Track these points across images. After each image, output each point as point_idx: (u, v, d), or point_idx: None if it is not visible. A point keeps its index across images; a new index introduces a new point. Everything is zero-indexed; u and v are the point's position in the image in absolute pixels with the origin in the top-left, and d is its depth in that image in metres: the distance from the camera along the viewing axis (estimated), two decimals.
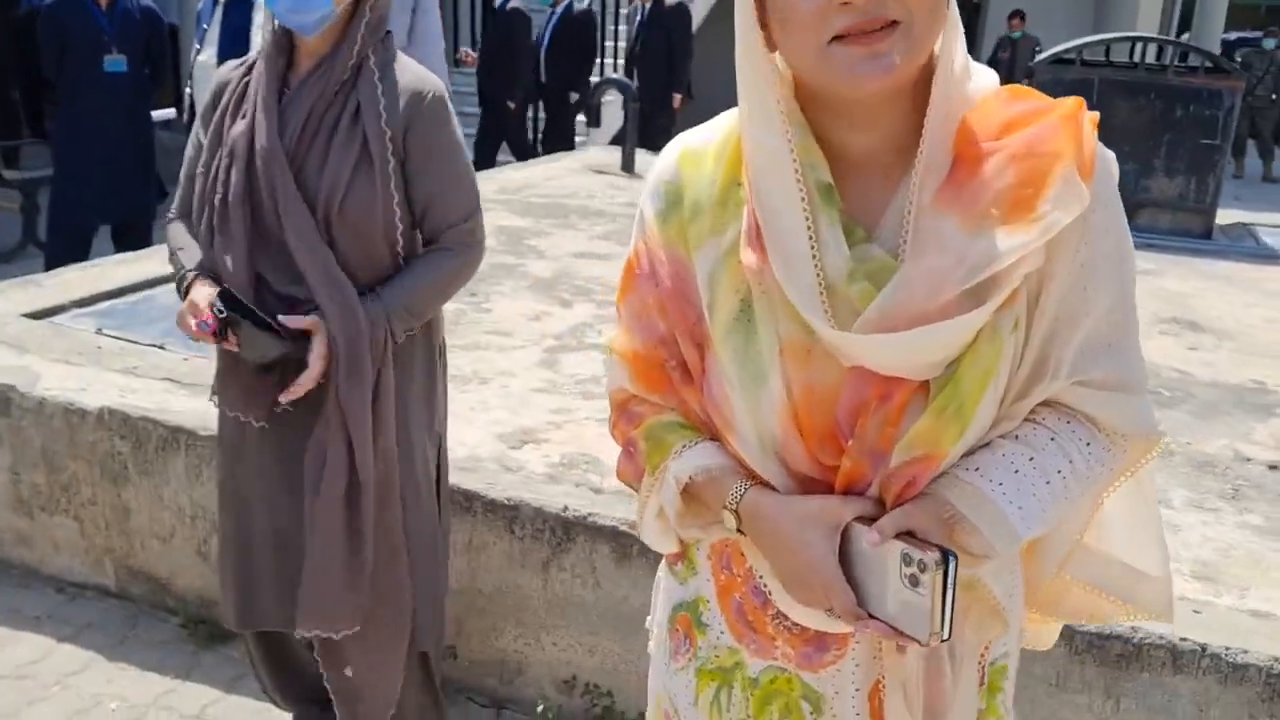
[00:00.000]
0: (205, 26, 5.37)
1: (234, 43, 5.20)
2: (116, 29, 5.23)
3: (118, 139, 5.20)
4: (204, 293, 1.95)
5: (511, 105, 8.65)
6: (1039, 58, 6.64)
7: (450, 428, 3.25)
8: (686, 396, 1.20)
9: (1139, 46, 7.90)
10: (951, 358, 1.03)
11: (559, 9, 8.69)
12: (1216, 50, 17.84)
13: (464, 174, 2.11)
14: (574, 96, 8.67)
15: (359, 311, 1.95)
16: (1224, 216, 6.84)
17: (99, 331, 3.72)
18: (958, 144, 1.03)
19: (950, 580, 1.02)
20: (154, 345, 3.61)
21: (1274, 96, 13.38)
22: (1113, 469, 1.16)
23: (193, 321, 1.94)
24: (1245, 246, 6.42)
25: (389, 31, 2.04)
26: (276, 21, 1.96)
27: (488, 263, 5.05)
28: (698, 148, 1.18)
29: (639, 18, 8.67)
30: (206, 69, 5.32)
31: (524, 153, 9.01)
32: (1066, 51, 6.56)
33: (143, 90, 5.34)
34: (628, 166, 7.66)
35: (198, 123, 2.10)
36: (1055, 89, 6.66)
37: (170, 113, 6.89)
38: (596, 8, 10.22)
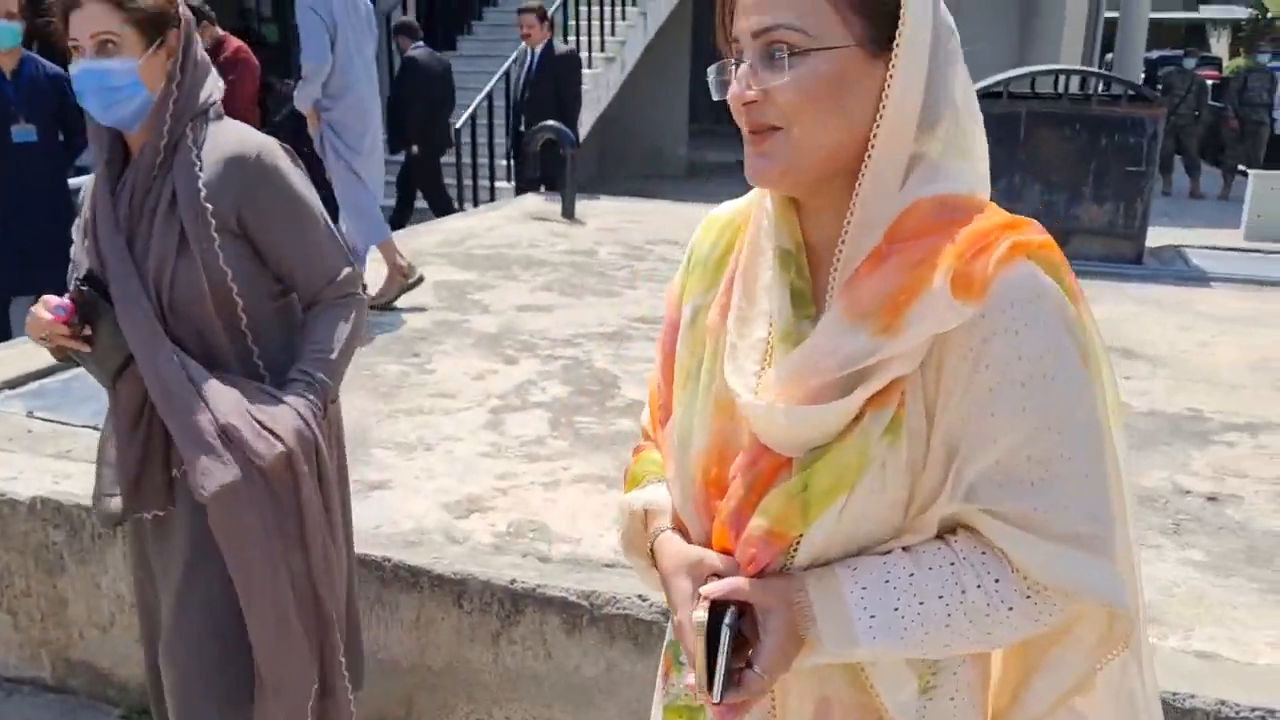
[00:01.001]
0: None
1: None
2: (23, 97, 5.12)
3: (31, 210, 5.08)
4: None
5: (415, 150, 8.49)
6: None
7: (397, 496, 3.24)
8: (658, 438, 1.29)
9: (1064, 75, 8.07)
10: (814, 443, 1.06)
11: (537, 50, 8.40)
12: (1140, 69, 18.34)
13: (318, 231, 2.00)
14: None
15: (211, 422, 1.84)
16: (1154, 235, 6.98)
17: (29, 414, 3.63)
18: (885, 240, 1.06)
19: (723, 642, 1.04)
20: (89, 426, 3.53)
21: (1196, 114, 13.76)
22: (1039, 621, 1.07)
23: (46, 312, 1.83)
24: (1175, 269, 6.56)
25: (212, 102, 1.95)
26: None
27: (431, 320, 5.07)
28: (718, 215, 1.28)
29: (528, 63, 8.48)
30: None
31: (438, 201, 8.83)
32: (994, 85, 6.69)
33: (55, 159, 5.23)
34: (568, 213, 7.67)
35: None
36: (985, 122, 6.78)
37: (89, 179, 6.75)
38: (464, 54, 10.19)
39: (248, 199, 1.89)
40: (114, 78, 1.82)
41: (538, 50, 8.28)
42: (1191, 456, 3.68)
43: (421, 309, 5.22)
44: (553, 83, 8.20)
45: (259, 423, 1.85)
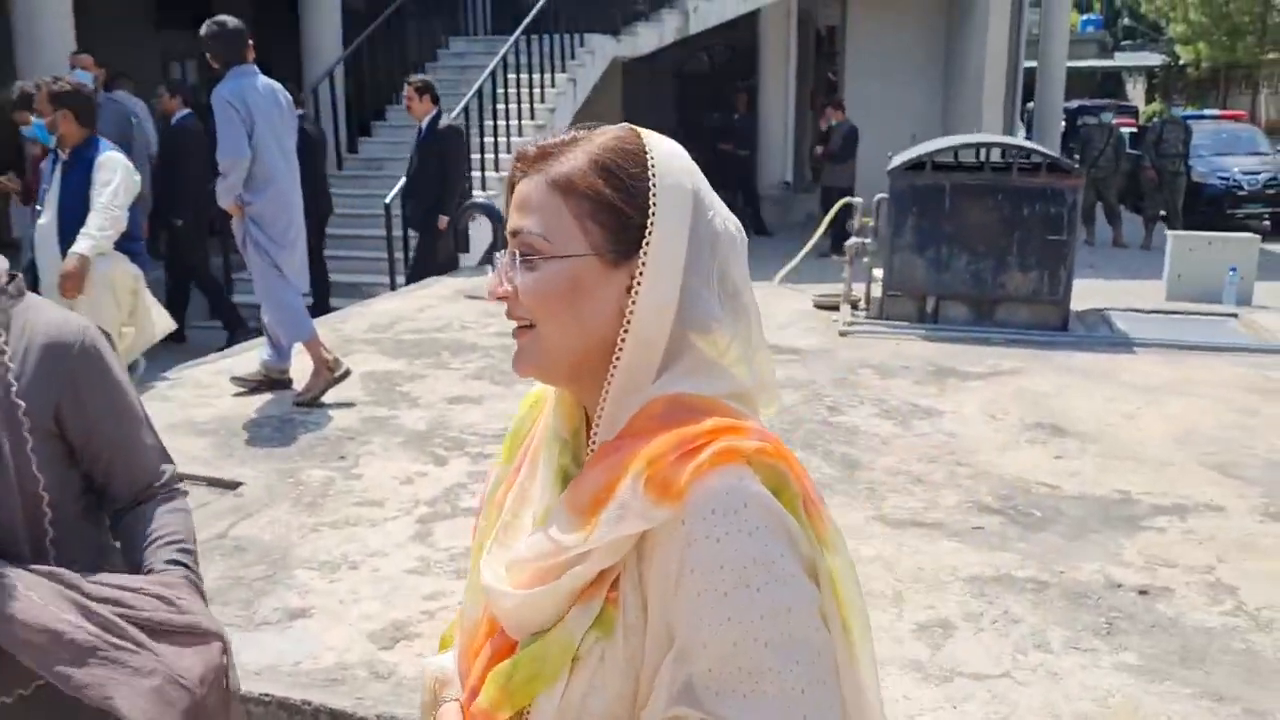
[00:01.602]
0: (45, 187, 5.19)
1: (74, 205, 5.04)
2: None
3: None
4: None
5: (179, 223, 8.28)
6: (892, 163, 6.85)
7: (319, 625, 3.13)
8: None
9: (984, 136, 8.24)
10: (532, 629, 1.07)
11: (423, 124, 8.27)
12: (1060, 119, 18.85)
13: (141, 426, 1.78)
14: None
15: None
16: (1080, 293, 7.06)
17: None
18: (618, 435, 1.07)
19: None
20: None
21: (1116, 166, 14.14)
22: None
23: None
24: (1101, 335, 6.67)
25: (13, 275, 1.70)
26: None
27: (358, 416, 4.97)
28: (531, 391, 1.28)
29: (417, 138, 8.40)
30: (46, 232, 5.13)
31: (203, 280, 8.63)
32: (918, 158, 6.80)
33: None
34: None
35: None
36: (910, 194, 6.90)
37: None
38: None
39: (72, 394, 1.65)
40: None
41: (423, 124, 8.19)
42: (1122, 545, 3.70)
43: (349, 404, 5.11)
44: (437, 157, 8.10)
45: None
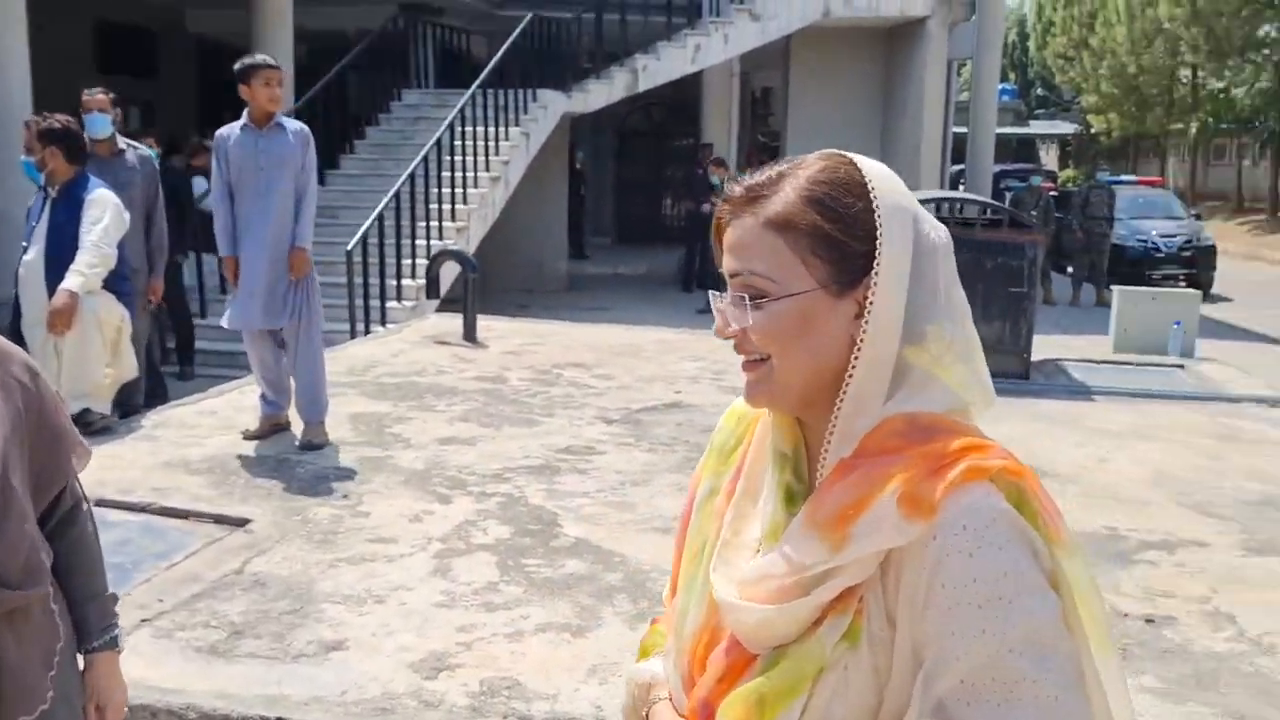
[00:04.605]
0: (33, 224, 5.13)
1: (59, 242, 4.99)
2: None
3: None
4: None
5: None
6: None
7: (357, 657, 3.12)
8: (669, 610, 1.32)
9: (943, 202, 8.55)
10: (777, 643, 1.09)
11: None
12: (989, 183, 19.51)
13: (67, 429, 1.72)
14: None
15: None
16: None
17: None
18: (854, 454, 1.09)
19: None
20: None
21: (1046, 228, 14.69)
22: None
23: None
24: (1060, 384, 6.93)
25: None
26: None
27: (354, 456, 4.95)
28: (737, 406, 1.29)
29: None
30: (32, 268, 5.06)
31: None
32: None
33: None
34: (470, 336, 7.65)
35: None
36: None
37: None
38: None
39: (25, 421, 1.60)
40: None
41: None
42: (1120, 578, 3.85)
43: (342, 444, 5.09)
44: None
45: None
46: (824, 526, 1.06)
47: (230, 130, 4.99)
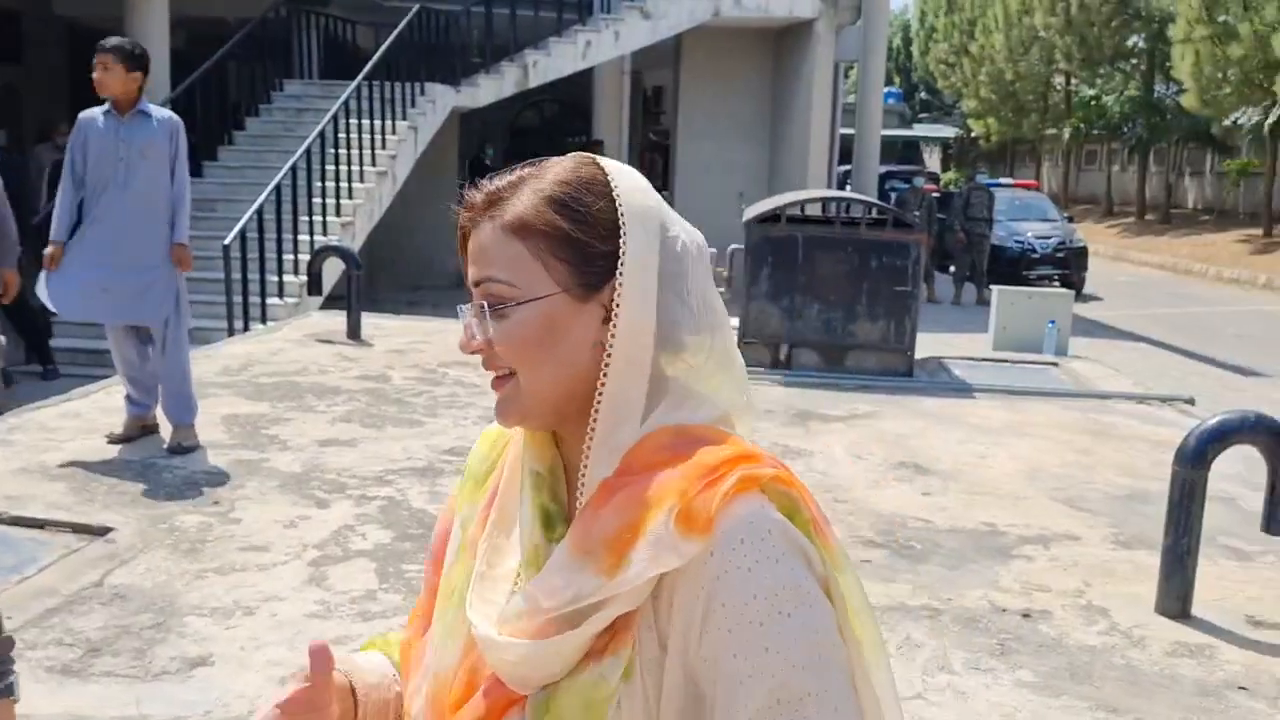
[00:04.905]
0: None
1: None
2: None
3: None
4: None
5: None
6: (745, 215, 7.11)
7: (223, 673, 2.98)
8: (411, 639, 1.22)
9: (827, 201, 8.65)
10: (544, 681, 1.03)
11: None
12: (875, 183, 19.94)
13: None
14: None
15: None
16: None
17: None
18: (616, 472, 1.05)
19: None
20: None
21: (928, 228, 15.05)
22: None
23: None
24: (943, 381, 7.07)
25: None
26: None
27: (227, 460, 4.75)
28: (490, 429, 1.22)
29: None
30: None
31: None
32: (772, 210, 7.08)
33: None
34: (354, 334, 7.45)
35: None
36: (765, 246, 7.17)
37: None
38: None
39: None
40: None
41: None
42: (998, 573, 3.92)
43: (214, 446, 4.88)
44: None
45: None
46: (595, 553, 1.00)
47: (93, 115, 4.74)
